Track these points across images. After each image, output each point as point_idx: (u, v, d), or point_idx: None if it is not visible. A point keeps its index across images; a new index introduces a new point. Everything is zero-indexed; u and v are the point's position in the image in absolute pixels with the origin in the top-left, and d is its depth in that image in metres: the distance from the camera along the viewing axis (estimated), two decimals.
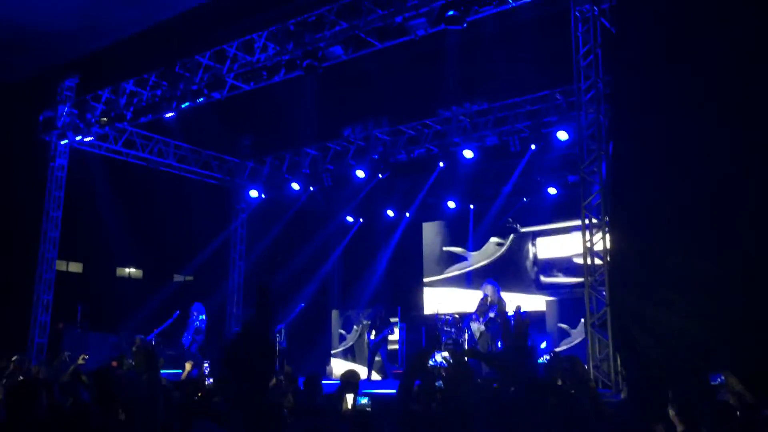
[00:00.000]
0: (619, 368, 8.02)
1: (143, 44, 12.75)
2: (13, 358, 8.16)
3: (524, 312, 12.09)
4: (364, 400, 5.38)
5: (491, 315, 11.04)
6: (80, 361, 6.95)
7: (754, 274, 5.73)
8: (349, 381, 6.17)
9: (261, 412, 2.78)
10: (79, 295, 14.89)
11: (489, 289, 11.35)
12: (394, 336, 14.43)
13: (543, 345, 12.68)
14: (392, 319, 14.27)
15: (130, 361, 8.75)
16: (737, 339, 5.55)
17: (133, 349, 10.35)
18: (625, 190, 7.87)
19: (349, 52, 10.43)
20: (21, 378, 7.04)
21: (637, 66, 6.97)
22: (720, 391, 4.43)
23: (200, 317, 12.68)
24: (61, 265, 15.34)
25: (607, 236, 8.77)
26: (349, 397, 5.01)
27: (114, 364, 9.72)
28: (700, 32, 6.42)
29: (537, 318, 13.14)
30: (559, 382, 5.67)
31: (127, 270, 21.99)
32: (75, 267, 19.87)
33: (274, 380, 6.42)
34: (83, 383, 5.71)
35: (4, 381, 6.75)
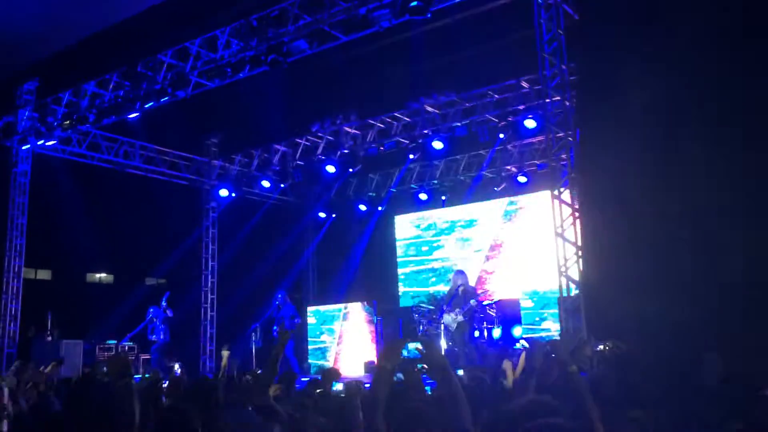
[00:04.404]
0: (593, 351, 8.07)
1: (103, 44, 12.50)
2: None
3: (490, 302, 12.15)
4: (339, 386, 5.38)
5: (472, 302, 11.06)
6: (49, 369, 6.79)
7: (730, 255, 5.77)
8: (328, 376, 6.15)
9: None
10: (49, 302, 14.61)
11: (460, 279, 11.39)
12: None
13: (518, 331, 12.75)
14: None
15: (104, 370, 8.62)
16: (717, 321, 5.59)
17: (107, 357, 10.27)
18: (593, 176, 7.93)
19: (314, 46, 10.32)
20: None
21: (600, 51, 7.00)
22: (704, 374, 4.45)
23: (158, 309, 13.01)
24: (28, 273, 15.02)
25: (578, 222, 8.82)
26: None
27: (86, 371, 9.56)
28: (662, 17, 6.47)
29: (512, 304, 13.23)
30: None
31: (97, 275, 21.65)
32: (43, 274, 19.49)
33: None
34: (54, 391, 5.58)
35: None
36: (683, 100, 6.14)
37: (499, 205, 15.50)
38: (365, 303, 14.93)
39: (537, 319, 13.40)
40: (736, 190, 5.86)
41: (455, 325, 11.11)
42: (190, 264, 16.25)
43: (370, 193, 17.18)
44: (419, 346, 3.02)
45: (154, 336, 13.01)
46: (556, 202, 9.17)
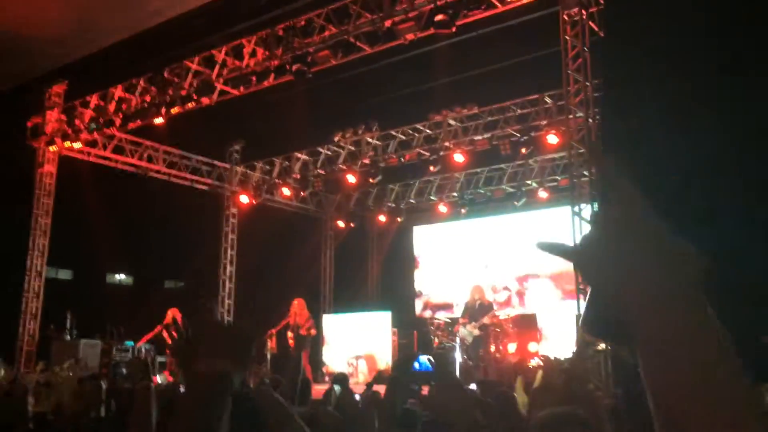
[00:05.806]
0: (610, 370, 8.01)
1: (132, 50, 12.69)
2: None
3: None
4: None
5: (485, 320, 10.90)
6: (66, 366, 6.88)
7: (752, 277, 5.70)
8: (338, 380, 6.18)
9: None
10: (69, 302, 14.77)
11: (477, 293, 11.25)
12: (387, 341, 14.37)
13: (534, 347, 12.64)
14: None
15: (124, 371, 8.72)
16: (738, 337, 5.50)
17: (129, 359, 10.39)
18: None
19: (339, 57, 10.41)
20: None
21: (625, 69, 6.98)
22: None
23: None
24: (50, 273, 15.21)
25: None
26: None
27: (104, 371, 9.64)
28: (687, 36, 6.45)
29: (529, 319, 13.12)
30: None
31: (117, 277, 21.88)
32: (64, 274, 19.74)
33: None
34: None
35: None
36: (705, 119, 6.11)
37: (518, 219, 15.44)
38: (381, 313, 14.91)
39: (553, 335, 13.28)
40: (760, 206, 5.81)
41: (471, 338, 11.03)
42: (208, 269, 16.37)
43: (390, 204, 17.21)
44: (431, 358, 3.03)
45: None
46: (577, 218, 9.13)
